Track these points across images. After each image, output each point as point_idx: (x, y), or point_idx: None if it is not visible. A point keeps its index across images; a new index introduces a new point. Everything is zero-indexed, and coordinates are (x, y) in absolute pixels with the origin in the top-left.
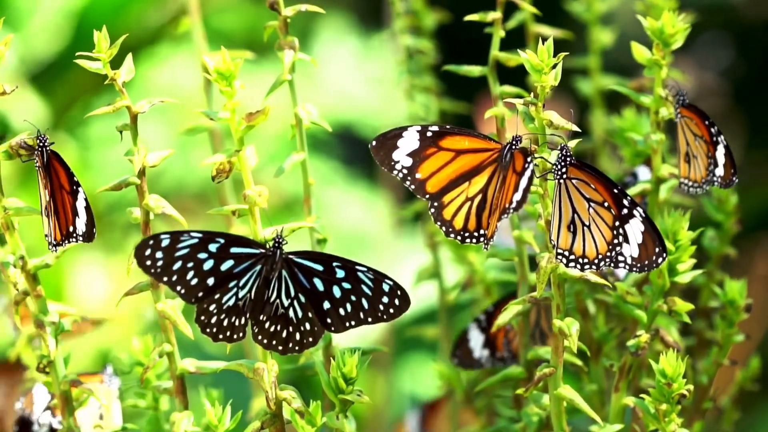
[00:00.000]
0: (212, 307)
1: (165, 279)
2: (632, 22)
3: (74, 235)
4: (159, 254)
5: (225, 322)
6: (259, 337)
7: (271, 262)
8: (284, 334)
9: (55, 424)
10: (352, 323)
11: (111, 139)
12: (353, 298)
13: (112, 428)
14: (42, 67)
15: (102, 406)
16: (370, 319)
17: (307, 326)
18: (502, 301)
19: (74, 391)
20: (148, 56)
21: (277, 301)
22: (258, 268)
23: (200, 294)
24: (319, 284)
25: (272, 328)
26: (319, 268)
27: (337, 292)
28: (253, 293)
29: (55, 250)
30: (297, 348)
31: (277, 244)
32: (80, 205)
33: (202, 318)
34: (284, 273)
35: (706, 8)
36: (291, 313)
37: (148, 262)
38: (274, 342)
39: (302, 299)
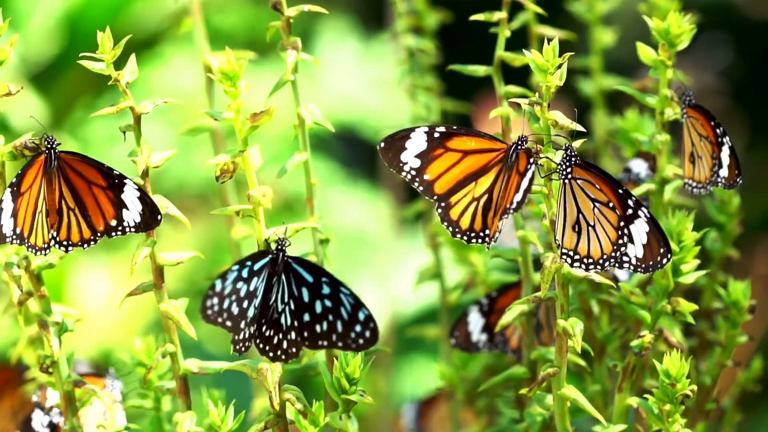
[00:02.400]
0: (242, 324)
1: (219, 320)
2: (633, 21)
3: (119, 228)
4: (215, 300)
5: (247, 334)
6: (257, 341)
7: (274, 264)
8: (275, 341)
9: (56, 419)
10: (324, 343)
11: (111, 139)
12: (330, 317)
13: (114, 429)
14: (40, 67)
15: (105, 409)
16: (340, 344)
17: (293, 335)
18: (506, 288)
19: (77, 391)
20: (148, 57)
21: (275, 305)
22: (266, 272)
23: (240, 321)
24: (305, 294)
25: (267, 333)
26: (309, 278)
27: (318, 307)
28: (261, 296)
29: (44, 253)
30: (283, 357)
31: (280, 247)
32: (130, 196)
33: (236, 337)
34: (283, 277)
35: (706, 8)
36: (282, 319)
37: (209, 312)
38: (267, 347)
39: (292, 306)
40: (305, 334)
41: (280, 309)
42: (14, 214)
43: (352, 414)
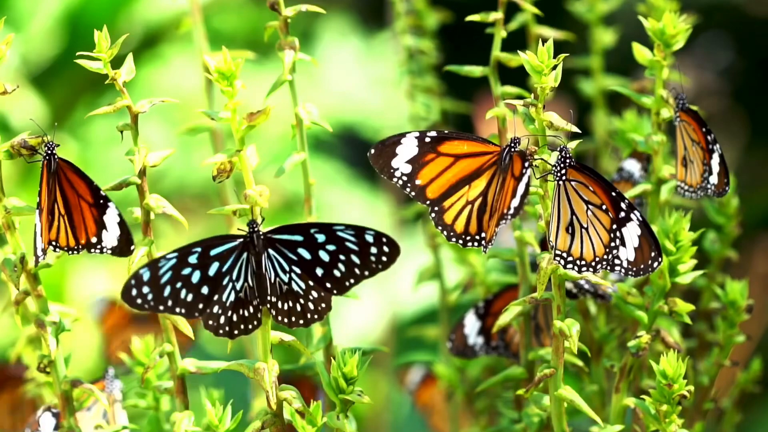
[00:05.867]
0: (215, 309)
1: (162, 308)
2: (636, 21)
3: (98, 246)
4: (146, 289)
5: (234, 317)
6: (279, 318)
7: (253, 246)
8: (299, 308)
9: None
10: (351, 281)
11: (112, 138)
12: (342, 257)
13: (114, 429)
14: (41, 67)
15: (105, 409)
16: (366, 273)
17: (314, 294)
18: (503, 291)
19: (75, 391)
20: (149, 57)
21: (278, 279)
22: (245, 256)
23: (200, 305)
24: (305, 253)
25: (285, 306)
26: (299, 238)
27: (324, 256)
28: (251, 280)
29: (43, 256)
30: (316, 317)
31: (253, 228)
32: (111, 219)
33: (210, 323)
34: (271, 252)
35: (707, 8)
36: (295, 286)
37: (139, 300)
38: (293, 318)
39: (297, 271)
40: (328, 285)
41: (286, 280)
42: (41, 232)
43: (350, 414)
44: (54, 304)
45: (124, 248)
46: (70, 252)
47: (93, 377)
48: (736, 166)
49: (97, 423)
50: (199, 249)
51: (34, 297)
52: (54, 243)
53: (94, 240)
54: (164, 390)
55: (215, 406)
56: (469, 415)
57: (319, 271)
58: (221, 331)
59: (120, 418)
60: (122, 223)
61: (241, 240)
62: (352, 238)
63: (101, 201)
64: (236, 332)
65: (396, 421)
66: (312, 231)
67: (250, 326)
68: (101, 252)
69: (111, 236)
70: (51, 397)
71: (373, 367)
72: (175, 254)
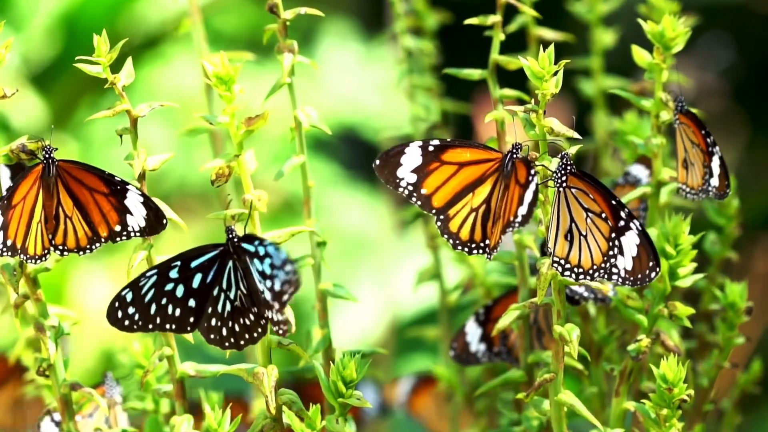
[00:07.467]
0: (213, 322)
1: (151, 327)
2: (636, 22)
3: (124, 233)
4: (131, 309)
5: (236, 327)
6: (275, 328)
7: (232, 254)
8: (276, 319)
9: None
10: (285, 298)
11: (113, 138)
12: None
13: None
14: (42, 67)
15: (104, 412)
16: (292, 289)
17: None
18: (502, 297)
19: (74, 394)
20: (150, 57)
21: (260, 287)
22: (230, 264)
23: (192, 319)
24: (258, 265)
25: (270, 315)
26: (251, 248)
27: (267, 269)
28: (243, 287)
29: (42, 260)
30: (291, 328)
31: (229, 236)
32: (133, 202)
33: (213, 336)
34: (247, 259)
35: (708, 8)
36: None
37: (127, 322)
38: (276, 328)
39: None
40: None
41: (261, 289)
42: (4, 227)
43: (349, 417)
44: (53, 307)
45: (155, 225)
46: (82, 252)
47: (93, 378)
48: (737, 166)
49: (97, 426)
50: (178, 263)
51: (33, 301)
52: (62, 246)
53: (117, 228)
54: (164, 393)
55: (214, 409)
56: (470, 415)
57: (268, 284)
58: (227, 344)
59: (121, 421)
60: (147, 202)
61: (220, 249)
62: (277, 253)
63: (118, 187)
64: (242, 342)
65: (395, 421)
66: (255, 242)
67: (255, 334)
68: (128, 237)
69: (137, 218)
70: (51, 399)
71: (372, 367)
72: (155, 271)
